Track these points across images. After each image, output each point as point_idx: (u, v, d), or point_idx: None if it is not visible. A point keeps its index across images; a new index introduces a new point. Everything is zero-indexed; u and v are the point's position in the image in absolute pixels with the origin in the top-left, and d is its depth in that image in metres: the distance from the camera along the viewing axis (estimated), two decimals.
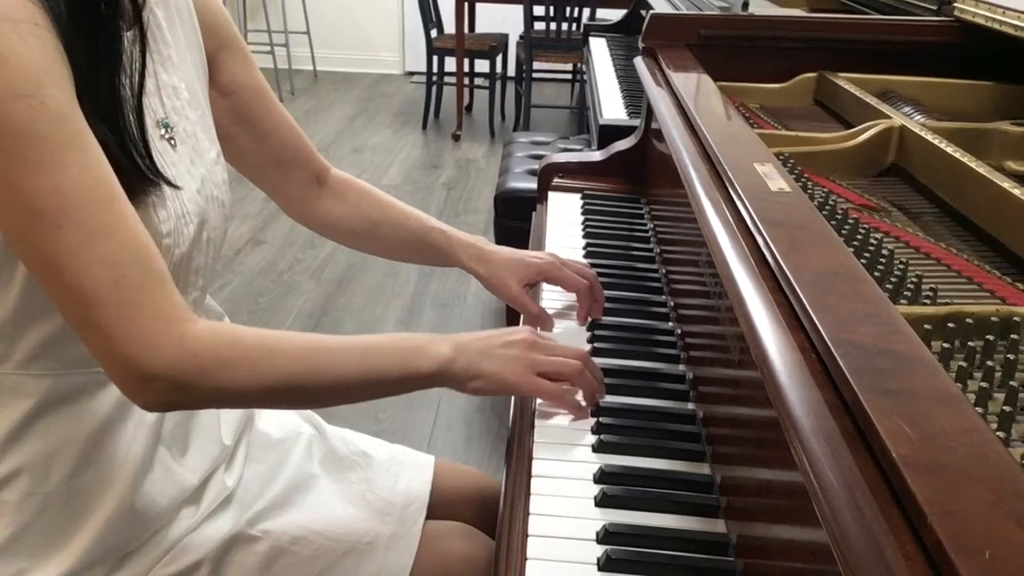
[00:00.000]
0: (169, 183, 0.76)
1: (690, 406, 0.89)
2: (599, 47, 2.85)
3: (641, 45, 1.40)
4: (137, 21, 0.76)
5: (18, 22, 0.63)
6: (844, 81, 1.31)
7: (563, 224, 1.34)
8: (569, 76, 5.44)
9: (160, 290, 0.69)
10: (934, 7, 1.47)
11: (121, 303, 0.66)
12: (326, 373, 0.75)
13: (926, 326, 0.67)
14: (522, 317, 1.04)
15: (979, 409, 0.57)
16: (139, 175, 0.73)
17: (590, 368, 0.86)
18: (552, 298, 1.10)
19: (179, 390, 0.69)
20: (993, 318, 0.68)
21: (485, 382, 0.81)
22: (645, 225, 1.34)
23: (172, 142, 0.80)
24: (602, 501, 0.75)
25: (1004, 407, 0.57)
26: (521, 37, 4.55)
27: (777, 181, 0.83)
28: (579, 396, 0.87)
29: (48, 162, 0.64)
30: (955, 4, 1.34)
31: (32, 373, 0.76)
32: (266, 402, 0.79)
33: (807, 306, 0.60)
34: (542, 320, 1.03)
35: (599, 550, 0.70)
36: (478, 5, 5.13)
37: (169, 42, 0.82)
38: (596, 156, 1.51)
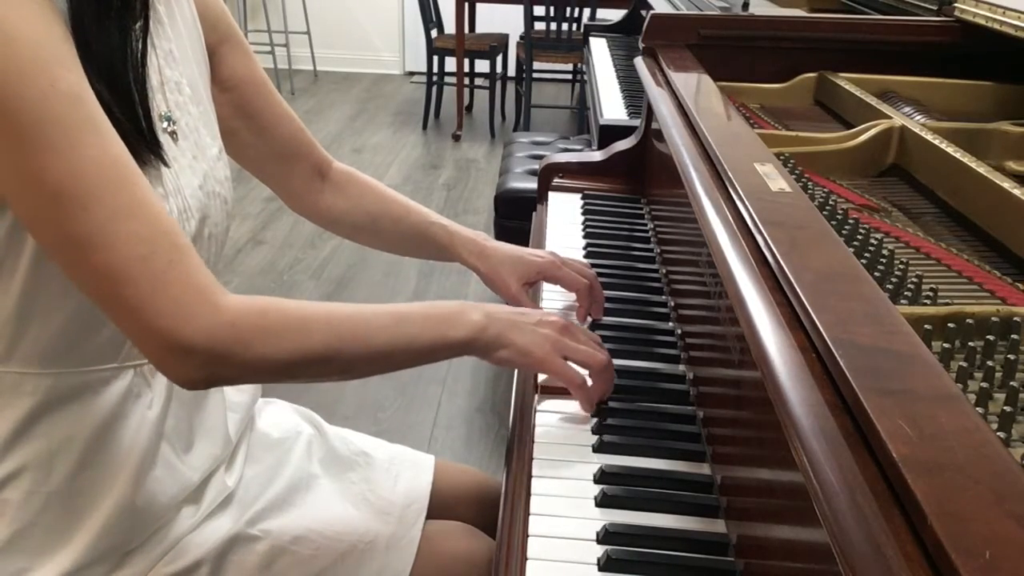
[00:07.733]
0: (163, 161, 0.76)
1: (690, 406, 0.89)
2: (599, 47, 2.85)
3: (641, 45, 1.40)
4: (143, 13, 0.75)
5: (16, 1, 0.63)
6: (844, 81, 1.31)
7: (563, 224, 1.34)
8: (569, 76, 5.44)
9: (189, 262, 0.68)
10: (934, 7, 1.47)
11: (152, 278, 0.66)
12: (363, 341, 0.75)
13: (926, 326, 0.67)
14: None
15: (979, 409, 0.57)
16: (139, 139, 0.72)
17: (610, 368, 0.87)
18: (552, 298, 1.10)
19: (218, 361, 0.69)
20: (993, 318, 0.68)
21: (512, 353, 0.81)
22: (645, 225, 1.34)
23: (174, 137, 0.80)
24: (602, 501, 0.75)
25: (1004, 407, 0.57)
26: (521, 37, 4.55)
27: (777, 181, 0.83)
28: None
29: (65, 144, 0.64)
30: (955, 4, 1.34)
31: (35, 372, 0.76)
32: (302, 373, 0.76)
33: (807, 306, 0.60)
34: None
35: (599, 550, 0.70)
36: (478, 5, 5.14)
37: (171, 37, 0.82)
38: (596, 156, 1.51)
